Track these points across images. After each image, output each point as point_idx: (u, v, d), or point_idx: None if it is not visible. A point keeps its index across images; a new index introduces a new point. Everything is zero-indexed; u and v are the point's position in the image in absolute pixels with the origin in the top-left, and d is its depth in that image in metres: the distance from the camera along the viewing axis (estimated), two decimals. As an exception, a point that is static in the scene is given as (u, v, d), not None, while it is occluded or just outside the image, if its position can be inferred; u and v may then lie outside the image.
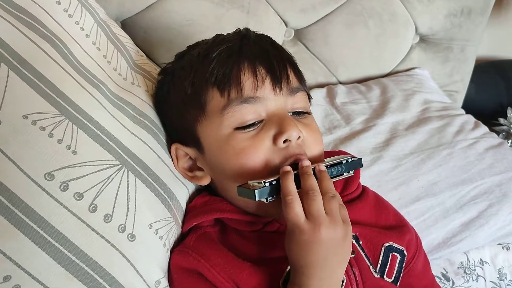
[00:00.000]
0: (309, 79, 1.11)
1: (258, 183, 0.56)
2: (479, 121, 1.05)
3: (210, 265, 0.58)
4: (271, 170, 0.60)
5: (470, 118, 1.04)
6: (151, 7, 0.93)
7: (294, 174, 0.56)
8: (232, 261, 0.59)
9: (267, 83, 0.61)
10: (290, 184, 0.55)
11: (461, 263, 0.83)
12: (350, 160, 0.62)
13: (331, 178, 0.59)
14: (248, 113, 0.60)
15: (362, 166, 0.65)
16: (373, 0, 1.13)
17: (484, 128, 1.02)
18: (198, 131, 0.64)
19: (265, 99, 0.61)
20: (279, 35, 1.08)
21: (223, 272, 0.58)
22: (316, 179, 0.57)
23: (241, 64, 0.61)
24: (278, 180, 0.56)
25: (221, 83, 0.61)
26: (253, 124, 0.61)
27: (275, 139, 0.60)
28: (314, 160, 0.61)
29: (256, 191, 0.55)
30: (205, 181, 0.67)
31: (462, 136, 0.95)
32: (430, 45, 1.27)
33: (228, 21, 0.98)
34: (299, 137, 0.60)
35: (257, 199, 0.55)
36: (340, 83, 1.16)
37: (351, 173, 0.63)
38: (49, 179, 0.50)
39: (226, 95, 0.61)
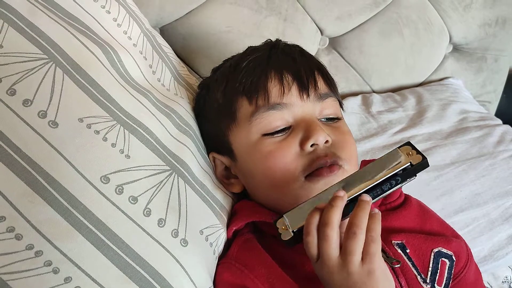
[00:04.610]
0: (343, 88, 1.11)
1: (286, 228, 0.53)
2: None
3: (253, 276, 0.57)
4: (298, 175, 0.60)
5: (509, 129, 1.02)
6: (191, 13, 0.93)
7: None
8: (276, 271, 0.58)
9: (294, 89, 0.62)
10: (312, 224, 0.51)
11: (506, 277, 0.81)
12: (409, 166, 0.52)
13: (384, 192, 0.53)
14: (275, 119, 0.62)
15: (428, 166, 0.54)
16: (409, 9, 1.12)
17: (524, 139, 1.00)
18: (230, 139, 0.65)
19: (292, 105, 0.62)
20: (314, 43, 1.08)
21: (267, 282, 0.57)
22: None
23: (268, 73, 0.63)
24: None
25: (249, 91, 0.63)
26: (281, 131, 0.62)
27: (302, 143, 0.60)
28: (347, 162, 0.61)
29: (284, 240, 0.53)
30: (237, 189, 0.68)
31: (503, 146, 0.93)
32: (463, 54, 1.25)
33: (266, 28, 0.98)
34: (327, 141, 0.60)
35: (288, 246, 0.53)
36: (374, 91, 1.15)
37: (415, 177, 0.54)
38: (105, 182, 0.50)
39: (254, 102, 0.62)
